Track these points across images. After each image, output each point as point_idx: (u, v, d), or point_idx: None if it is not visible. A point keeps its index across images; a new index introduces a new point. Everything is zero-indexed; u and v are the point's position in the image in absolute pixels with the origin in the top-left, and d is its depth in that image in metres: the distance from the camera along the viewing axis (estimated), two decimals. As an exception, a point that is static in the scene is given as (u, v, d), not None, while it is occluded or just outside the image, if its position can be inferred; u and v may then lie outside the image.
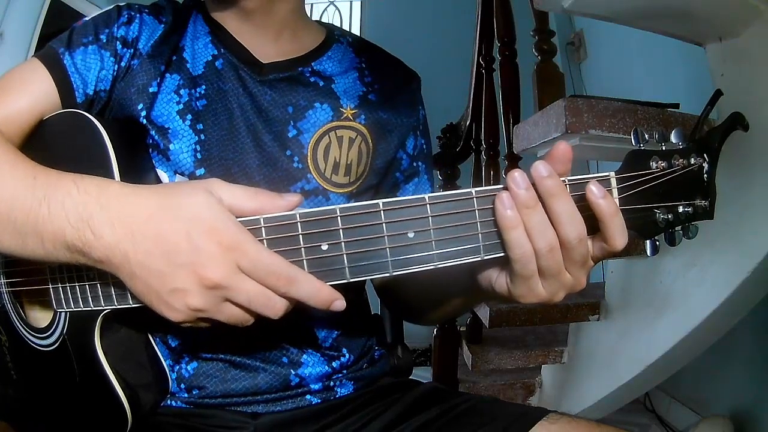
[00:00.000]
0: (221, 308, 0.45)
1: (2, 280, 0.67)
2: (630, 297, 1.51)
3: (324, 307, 0.45)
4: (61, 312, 0.60)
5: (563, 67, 2.04)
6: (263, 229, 0.46)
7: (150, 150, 0.65)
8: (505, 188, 0.45)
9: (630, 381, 1.46)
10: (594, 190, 0.44)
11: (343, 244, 0.45)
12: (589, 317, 1.56)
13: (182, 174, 0.65)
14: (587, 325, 1.63)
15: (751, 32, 1.12)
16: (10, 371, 0.68)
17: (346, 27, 3.69)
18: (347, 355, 0.72)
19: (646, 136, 0.47)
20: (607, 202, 0.44)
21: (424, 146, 0.79)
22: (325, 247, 0.45)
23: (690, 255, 1.29)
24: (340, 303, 0.46)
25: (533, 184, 0.44)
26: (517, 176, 0.44)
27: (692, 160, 0.47)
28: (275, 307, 0.45)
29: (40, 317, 0.65)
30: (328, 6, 3.88)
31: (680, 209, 0.47)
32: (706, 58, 1.24)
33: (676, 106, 1.27)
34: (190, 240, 0.43)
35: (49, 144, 0.63)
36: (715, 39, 1.20)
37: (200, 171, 0.65)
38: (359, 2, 3.80)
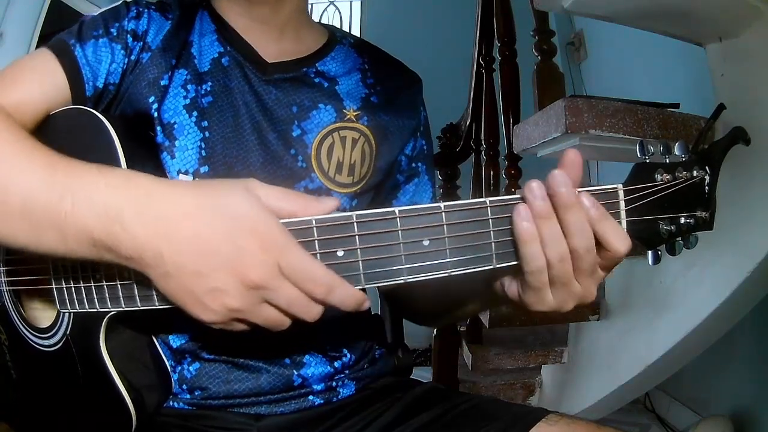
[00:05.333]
0: (259, 310, 0.45)
1: (3, 279, 0.67)
2: (630, 297, 1.51)
3: (353, 309, 0.45)
4: (64, 312, 0.60)
5: (563, 67, 2.04)
6: None
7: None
8: (522, 199, 0.45)
9: (630, 381, 1.46)
10: (585, 203, 0.45)
11: (359, 250, 0.45)
12: (589, 317, 1.56)
13: (186, 173, 0.65)
14: (587, 325, 1.63)
15: (751, 32, 1.12)
16: (10, 371, 0.68)
17: (346, 27, 3.69)
18: (348, 356, 0.72)
19: (651, 148, 0.48)
20: (597, 212, 0.45)
21: (425, 147, 0.80)
22: (340, 253, 0.45)
23: (690, 255, 1.28)
24: (367, 303, 0.46)
25: (549, 194, 0.44)
26: (534, 187, 0.44)
27: (695, 173, 0.48)
28: (312, 312, 0.45)
29: (42, 317, 0.65)
30: (328, 6, 3.88)
31: (682, 220, 0.48)
32: (706, 58, 1.25)
33: (676, 106, 1.27)
34: (232, 240, 0.42)
35: (54, 141, 0.63)
36: (715, 39, 1.20)
37: (204, 168, 0.65)
38: (359, 2, 3.81)
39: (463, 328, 1.88)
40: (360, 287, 0.46)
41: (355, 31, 3.54)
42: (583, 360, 1.66)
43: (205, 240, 0.42)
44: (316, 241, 0.45)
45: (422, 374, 1.72)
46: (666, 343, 1.34)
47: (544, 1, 1.29)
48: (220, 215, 0.43)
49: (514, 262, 0.46)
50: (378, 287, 0.81)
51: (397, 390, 0.73)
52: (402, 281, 0.46)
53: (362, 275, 0.45)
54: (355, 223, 0.45)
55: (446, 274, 0.46)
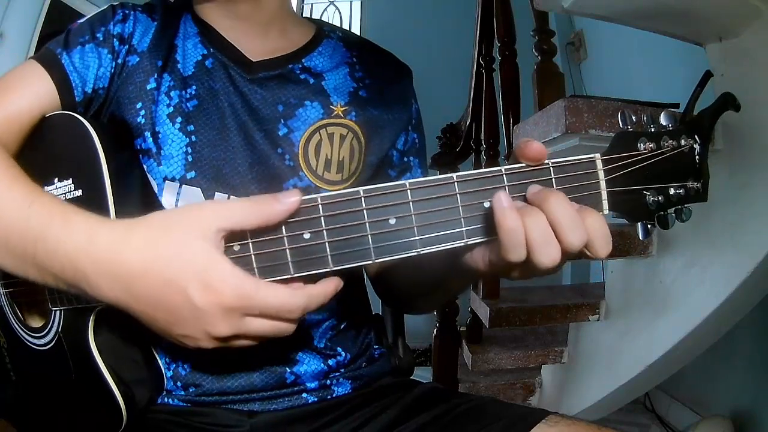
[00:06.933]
0: (235, 342, 0.47)
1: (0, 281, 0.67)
2: (630, 297, 1.51)
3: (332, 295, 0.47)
4: (56, 311, 0.60)
5: (563, 67, 2.04)
6: None
7: (141, 156, 0.65)
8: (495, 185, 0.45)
9: (630, 381, 1.46)
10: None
11: (324, 232, 0.45)
12: (589, 317, 1.56)
13: (172, 179, 0.65)
14: (587, 325, 1.62)
15: (751, 32, 1.12)
16: (9, 372, 0.68)
17: (346, 27, 3.69)
18: (343, 354, 0.72)
19: (634, 117, 0.46)
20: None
21: (416, 140, 0.79)
22: (307, 235, 0.45)
23: (690, 255, 1.29)
24: (339, 283, 0.47)
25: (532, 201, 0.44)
26: (502, 198, 0.43)
27: (683, 142, 0.45)
28: (289, 330, 0.47)
29: (37, 317, 0.66)
30: (328, 6, 3.88)
31: (671, 191, 0.46)
32: (706, 58, 1.25)
33: (676, 106, 1.27)
34: (189, 300, 0.43)
35: (42, 147, 0.63)
36: (715, 39, 1.20)
37: (191, 174, 0.65)
38: (359, 2, 3.81)
39: (463, 328, 1.88)
40: (328, 269, 0.46)
41: (355, 31, 3.55)
42: (583, 360, 1.65)
43: (165, 299, 0.44)
44: (282, 225, 0.45)
45: (422, 374, 1.72)
46: (666, 343, 1.34)
47: (544, 1, 1.29)
48: (174, 272, 0.43)
49: (486, 238, 0.45)
50: (366, 274, 0.81)
51: (397, 390, 0.73)
52: (370, 262, 0.45)
53: (329, 257, 0.45)
54: (320, 205, 0.45)
55: (415, 253, 0.45)
